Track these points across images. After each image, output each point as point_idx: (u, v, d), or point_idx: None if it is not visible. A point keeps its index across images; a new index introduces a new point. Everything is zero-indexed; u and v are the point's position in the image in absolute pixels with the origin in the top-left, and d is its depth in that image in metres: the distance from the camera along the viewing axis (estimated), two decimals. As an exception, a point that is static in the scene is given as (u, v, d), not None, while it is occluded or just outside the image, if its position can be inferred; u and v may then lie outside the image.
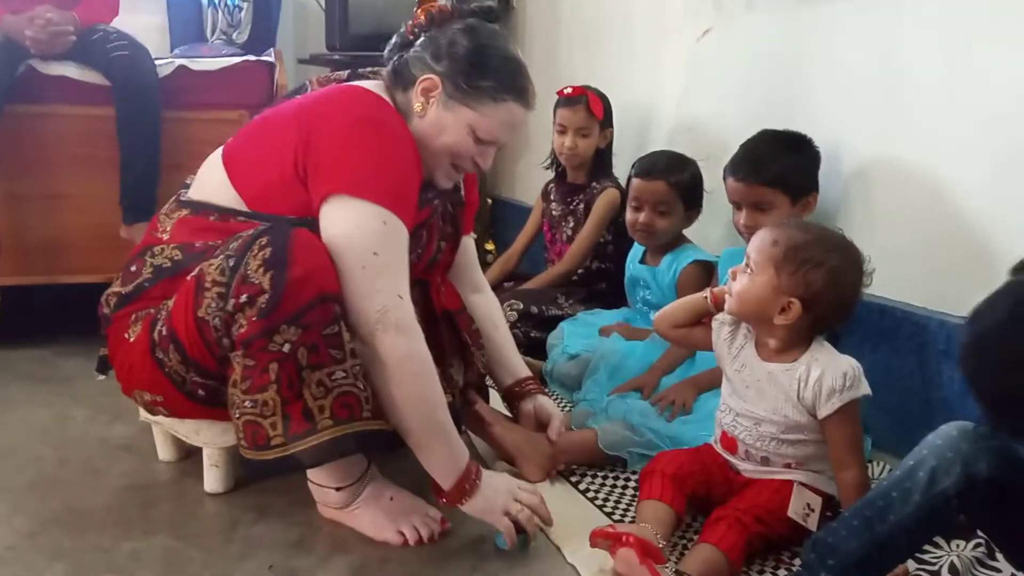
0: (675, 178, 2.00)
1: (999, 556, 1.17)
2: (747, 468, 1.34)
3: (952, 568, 1.16)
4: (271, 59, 2.40)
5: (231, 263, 1.19)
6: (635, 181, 2.03)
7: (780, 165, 1.66)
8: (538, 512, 1.29)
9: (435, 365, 1.27)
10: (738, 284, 1.31)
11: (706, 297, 1.40)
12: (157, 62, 2.25)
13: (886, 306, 1.66)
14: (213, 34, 2.92)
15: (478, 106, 1.34)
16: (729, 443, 1.36)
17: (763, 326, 1.32)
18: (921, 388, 1.59)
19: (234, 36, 2.88)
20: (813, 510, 1.27)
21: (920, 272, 1.62)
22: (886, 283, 1.67)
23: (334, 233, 1.23)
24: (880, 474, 1.53)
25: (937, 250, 1.59)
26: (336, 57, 2.98)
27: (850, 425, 1.26)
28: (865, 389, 1.26)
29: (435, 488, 1.27)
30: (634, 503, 1.42)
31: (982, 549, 1.20)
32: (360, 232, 1.23)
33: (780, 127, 1.77)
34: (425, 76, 1.34)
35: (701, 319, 1.43)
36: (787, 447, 1.30)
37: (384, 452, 1.31)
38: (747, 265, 1.31)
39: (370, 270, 1.22)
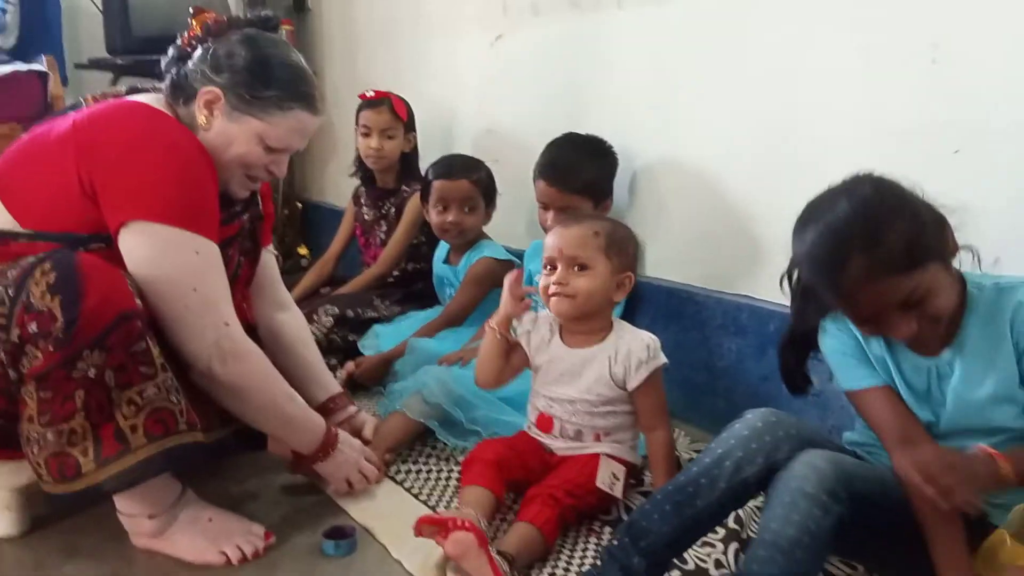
0: (476, 176, 2.09)
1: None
2: (560, 446, 1.45)
3: (736, 519, 1.30)
4: (43, 68, 2.23)
5: (10, 292, 1.12)
6: (438, 183, 2.08)
7: (587, 175, 1.80)
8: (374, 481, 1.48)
9: None
10: (581, 285, 1.39)
11: (498, 334, 1.44)
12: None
13: (673, 288, 1.83)
14: (-25, 38, 2.66)
15: (264, 116, 1.33)
16: (544, 422, 1.46)
17: (596, 314, 1.42)
18: (705, 359, 1.77)
19: (-1, 41, 2.64)
20: (618, 479, 1.39)
21: (697, 257, 1.80)
22: (671, 268, 1.84)
23: (144, 269, 1.20)
24: (676, 439, 1.68)
25: (709, 236, 1.77)
26: (119, 61, 2.79)
27: (656, 391, 1.41)
28: (664, 358, 1.41)
29: (294, 453, 1.42)
30: (455, 494, 1.48)
31: (762, 499, 1.36)
32: (174, 268, 1.21)
33: (572, 129, 1.89)
34: (206, 89, 1.32)
35: (508, 350, 1.47)
36: (599, 419, 1.43)
37: (205, 462, 1.29)
38: (574, 266, 1.39)
39: (193, 309, 1.21)
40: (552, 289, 1.40)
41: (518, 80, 2.26)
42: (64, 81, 2.27)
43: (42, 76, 2.20)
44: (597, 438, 1.43)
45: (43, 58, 2.27)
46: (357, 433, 1.57)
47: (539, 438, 1.47)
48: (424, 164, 2.44)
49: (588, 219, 1.46)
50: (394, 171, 2.41)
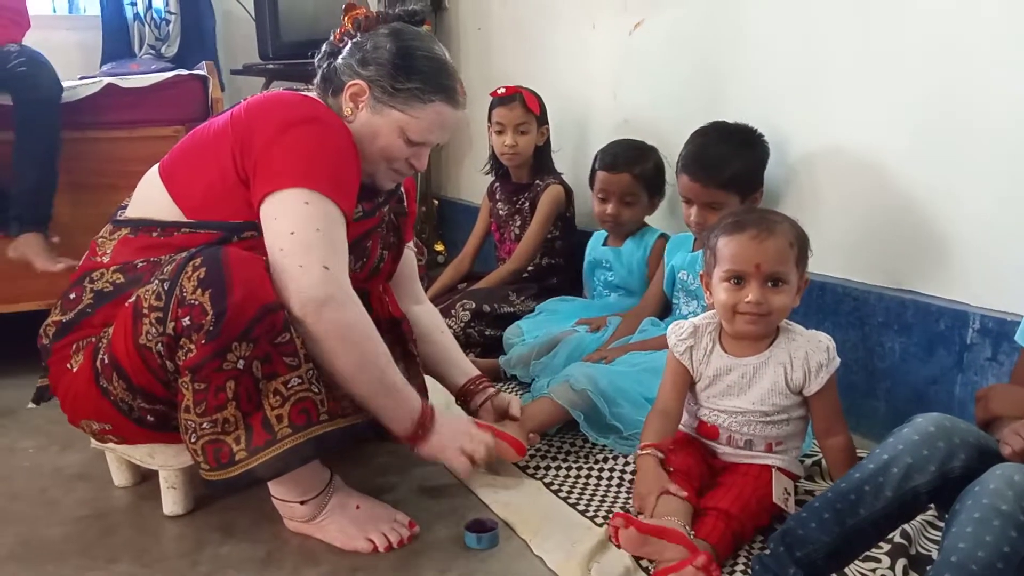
0: (639, 169, 2.05)
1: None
2: (727, 452, 1.37)
3: (904, 534, 1.20)
4: (203, 72, 2.36)
5: (166, 286, 1.18)
6: (601, 174, 2.07)
7: (734, 168, 1.69)
8: (489, 450, 1.38)
9: None
10: (778, 303, 1.28)
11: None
12: (84, 80, 2.19)
13: (827, 283, 1.72)
14: (141, 49, 2.86)
15: (406, 108, 1.35)
16: (709, 431, 1.38)
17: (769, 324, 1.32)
18: (864, 359, 1.65)
19: (163, 50, 2.83)
20: (790, 494, 1.31)
21: (855, 250, 1.69)
22: (825, 262, 1.73)
23: (267, 231, 1.24)
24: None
25: (869, 227, 1.65)
26: (271, 66, 2.93)
27: (833, 393, 1.32)
28: (838, 358, 1.32)
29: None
30: (595, 495, 1.45)
31: (932, 513, 1.25)
32: (279, 216, 1.23)
33: (712, 117, 1.81)
34: (353, 82, 1.35)
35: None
36: (772, 428, 1.34)
37: (341, 448, 1.29)
38: (769, 282, 1.28)
39: (288, 252, 1.21)
40: (745, 308, 1.28)
41: (655, 67, 2.19)
42: (221, 86, 2.39)
43: (203, 80, 2.32)
44: (769, 448, 1.35)
45: (203, 64, 2.40)
46: (502, 412, 1.57)
47: (704, 441, 1.40)
48: (558, 156, 2.43)
49: (779, 225, 1.30)
50: (528, 166, 2.41)
